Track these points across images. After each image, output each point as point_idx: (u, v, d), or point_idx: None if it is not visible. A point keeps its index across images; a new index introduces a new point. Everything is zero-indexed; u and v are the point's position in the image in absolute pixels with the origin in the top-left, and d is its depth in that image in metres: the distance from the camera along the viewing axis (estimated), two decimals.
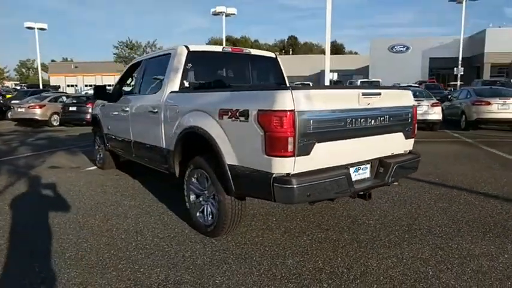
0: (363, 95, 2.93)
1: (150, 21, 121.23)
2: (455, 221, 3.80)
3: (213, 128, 3.11)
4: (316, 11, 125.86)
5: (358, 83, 27.86)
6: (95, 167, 6.56)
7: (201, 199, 3.54)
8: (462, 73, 27.66)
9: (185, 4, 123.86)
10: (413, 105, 3.55)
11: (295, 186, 2.56)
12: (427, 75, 40.52)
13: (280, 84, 4.82)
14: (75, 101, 16.15)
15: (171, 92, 3.91)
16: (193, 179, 3.58)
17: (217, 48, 4.33)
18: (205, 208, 3.49)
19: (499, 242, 3.31)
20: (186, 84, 4.01)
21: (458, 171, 5.98)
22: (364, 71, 46.65)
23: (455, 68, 27.51)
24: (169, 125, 3.83)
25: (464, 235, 3.46)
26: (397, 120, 3.33)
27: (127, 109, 4.83)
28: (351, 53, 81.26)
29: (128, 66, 5.47)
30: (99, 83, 63.58)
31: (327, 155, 2.80)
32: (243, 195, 3.11)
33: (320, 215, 4.02)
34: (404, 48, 42.41)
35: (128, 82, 5.77)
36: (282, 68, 4.88)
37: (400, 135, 3.44)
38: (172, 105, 3.77)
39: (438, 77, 41.13)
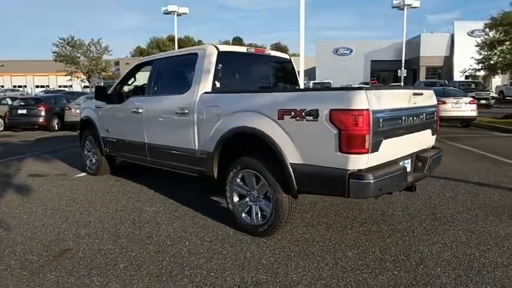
0: (413, 94, 3.17)
1: (86, 17, 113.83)
2: (469, 208, 4.22)
3: (271, 128, 3.14)
4: (257, 13, 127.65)
5: (311, 84, 28.93)
6: (85, 174, 6.14)
7: (247, 199, 3.54)
8: (405, 75, 30.05)
9: (122, 1, 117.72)
10: (437, 104, 3.89)
11: (372, 181, 2.71)
12: (369, 76, 43.26)
13: (294, 84, 4.96)
14: (23, 104, 14.85)
15: (205, 92, 3.85)
16: (237, 180, 3.57)
17: (243, 49, 4.34)
18: (253, 208, 3.50)
19: None
20: (218, 85, 3.97)
21: (443, 164, 6.52)
22: (310, 73, 48.41)
23: (399, 70, 29.82)
24: (206, 126, 3.77)
25: (483, 219, 3.87)
26: (429, 118, 3.63)
27: (140, 111, 4.63)
28: (294, 55, 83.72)
29: (132, 66, 5.22)
30: (30, 84, 58.38)
31: (387, 150, 2.98)
32: (305, 192, 3.19)
33: (348, 209, 4.21)
34: (348, 51, 44.84)
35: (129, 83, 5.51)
36: (295, 69, 5.01)
37: (429, 131, 3.75)
38: (210, 106, 3.72)
39: (378, 78, 44.12)
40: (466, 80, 26.53)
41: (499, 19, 12.16)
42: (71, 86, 42.59)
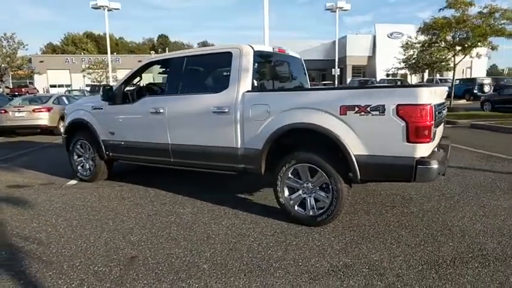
0: (446, 91, 3.65)
1: None
2: (466, 187, 4.91)
3: (333, 124, 3.36)
4: (179, 11, 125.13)
5: None
6: (76, 181, 5.68)
7: (299, 192, 3.72)
8: (339, 73, 32.19)
9: None
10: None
11: (436, 166, 3.10)
12: None
13: (306, 81, 5.24)
14: None
15: (247, 91, 3.91)
16: (289, 174, 3.72)
17: (270, 49, 4.46)
18: (307, 200, 3.68)
19: (509, 197, 4.49)
20: (255, 83, 4.05)
21: None
22: None
23: (333, 69, 31.84)
24: (252, 124, 3.84)
25: (484, 196, 4.55)
26: (445, 111, 4.17)
27: (161, 111, 4.48)
28: None
29: (140, 65, 4.96)
30: None
31: (435, 140, 3.41)
32: (366, 181, 3.47)
33: (372, 196, 4.62)
34: None
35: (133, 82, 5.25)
36: (305, 67, 5.29)
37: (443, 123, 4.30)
38: (258, 104, 3.80)
39: (309, 77, 46.45)
40: (394, 78, 29.40)
41: (431, 23, 13.87)
42: None
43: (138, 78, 5.24)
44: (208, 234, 3.58)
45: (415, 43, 20.57)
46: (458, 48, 14.22)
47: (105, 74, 41.80)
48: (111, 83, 33.63)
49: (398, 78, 32.26)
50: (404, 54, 23.73)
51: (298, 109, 3.58)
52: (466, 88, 23.29)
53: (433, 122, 3.08)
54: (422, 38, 17.56)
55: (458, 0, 12.86)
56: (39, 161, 7.69)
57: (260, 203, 4.48)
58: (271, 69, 4.66)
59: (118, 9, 29.57)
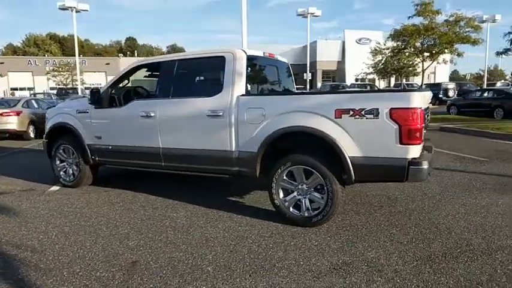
0: (431, 96, 3.88)
1: None
2: (445, 187, 5.20)
3: (328, 126, 3.48)
4: (146, 14, 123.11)
5: None
6: (59, 187, 5.50)
7: (295, 194, 3.81)
8: (310, 78, 32.80)
9: None
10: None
11: (426, 166, 3.29)
12: None
13: (292, 86, 5.36)
14: None
15: (242, 95, 3.97)
16: (284, 176, 3.81)
17: (261, 53, 4.54)
18: (302, 202, 3.78)
19: (485, 195, 4.80)
20: (249, 87, 4.12)
21: None
22: None
23: (304, 74, 32.39)
24: (247, 127, 3.91)
25: (462, 194, 4.84)
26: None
27: (152, 114, 4.45)
28: None
29: (128, 68, 4.90)
30: None
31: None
32: (360, 181, 3.62)
33: (359, 197, 4.79)
34: None
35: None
36: (292, 72, 5.42)
37: None
38: (253, 108, 3.86)
39: None
40: (363, 83, 30.30)
41: (401, 30, 14.52)
42: None
43: (125, 82, 5.16)
44: (206, 238, 3.59)
45: (384, 49, 21.36)
46: (426, 54, 14.96)
47: (71, 77, 40.41)
48: (79, 86, 32.60)
49: (367, 83, 33.31)
50: (373, 60, 24.58)
51: (294, 112, 3.68)
52: (431, 93, 24.38)
53: (423, 125, 3.28)
54: (390, 44, 18.32)
55: (426, 8, 13.55)
56: (13, 166, 7.34)
57: (254, 205, 4.53)
58: (262, 73, 4.75)
59: (87, 10, 28.63)
